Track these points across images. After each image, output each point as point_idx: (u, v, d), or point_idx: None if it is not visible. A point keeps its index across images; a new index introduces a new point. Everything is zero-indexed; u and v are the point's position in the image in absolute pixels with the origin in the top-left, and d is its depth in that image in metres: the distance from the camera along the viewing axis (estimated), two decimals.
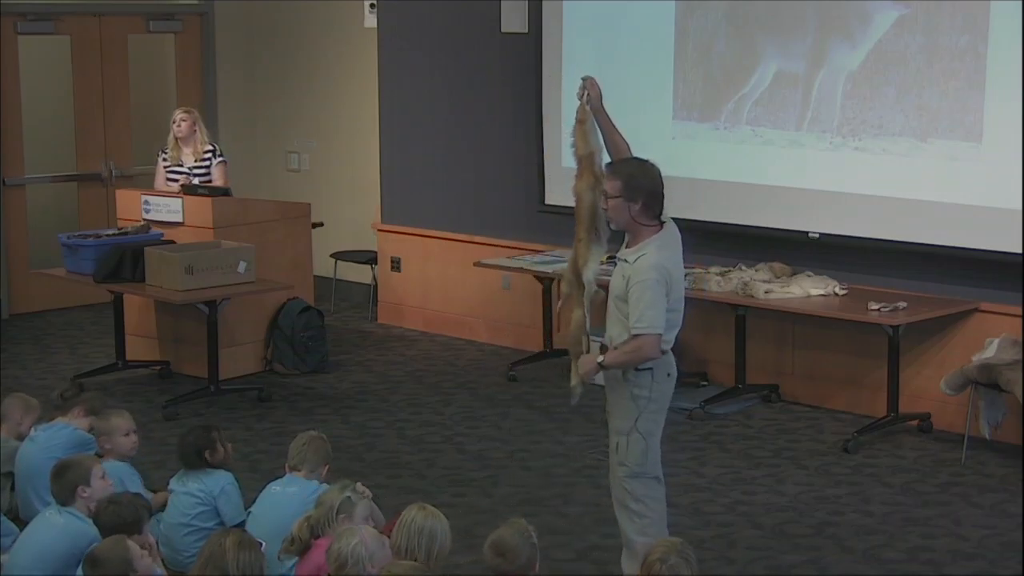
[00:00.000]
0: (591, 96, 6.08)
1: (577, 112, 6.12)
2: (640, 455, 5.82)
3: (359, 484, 5.66)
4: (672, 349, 5.56)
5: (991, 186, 7.94)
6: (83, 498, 5.70)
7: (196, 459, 6.23)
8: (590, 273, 5.96)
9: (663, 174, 5.48)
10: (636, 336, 5.67)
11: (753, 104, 8.88)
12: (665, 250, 5.76)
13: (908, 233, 8.29)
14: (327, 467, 6.15)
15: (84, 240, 9.30)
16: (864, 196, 8.44)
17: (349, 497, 5.48)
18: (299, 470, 6.07)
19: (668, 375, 5.84)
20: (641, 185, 5.75)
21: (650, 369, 5.76)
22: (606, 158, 6.05)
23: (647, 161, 5.88)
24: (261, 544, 5.11)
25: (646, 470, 5.86)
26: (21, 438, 6.84)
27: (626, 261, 5.78)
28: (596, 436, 8.31)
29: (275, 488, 6.06)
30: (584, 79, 6.13)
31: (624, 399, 5.82)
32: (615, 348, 5.80)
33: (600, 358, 5.79)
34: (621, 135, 6.08)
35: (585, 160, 6.02)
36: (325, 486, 5.97)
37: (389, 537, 5.25)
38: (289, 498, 5.96)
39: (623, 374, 5.80)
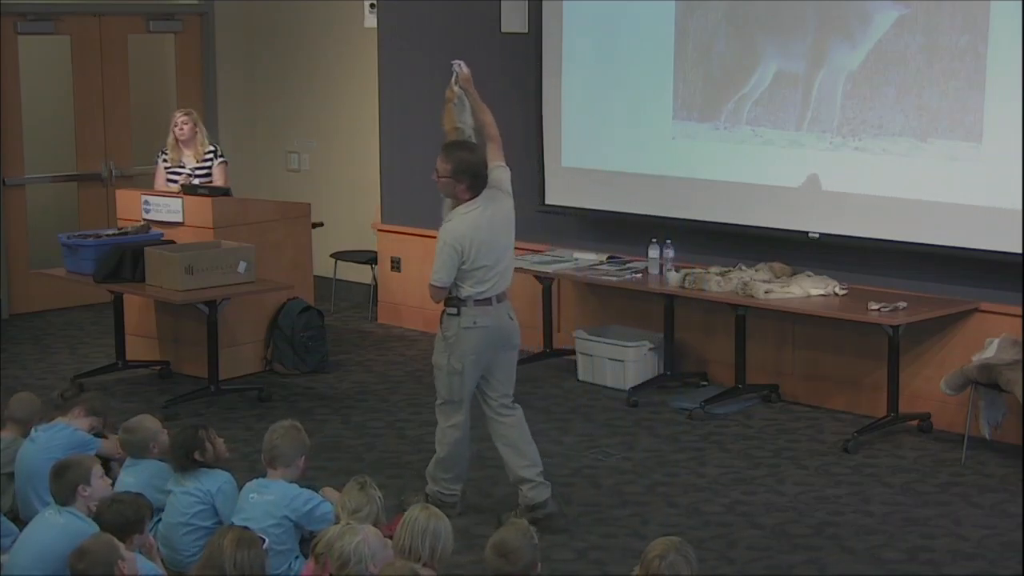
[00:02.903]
0: (460, 78, 7.03)
1: (446, 92, 7.05)
2: (447, 387, 6.94)
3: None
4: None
5: (991, 186, 7.94)
6: (83, 497, 5.70)
7: (186, 460, 6.21)
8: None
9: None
10: (431, 284, 6.83)
11: (753, 104, 8.87)
12: (467, 218, 6.79)
13: (908, 233, 8.29)
14: (304, 458, 6.11)
15: (84, 240, 9.30)
16: (864, 196, 8.44)
17: (376, 497, 5.54)
18: (274, 466, 6.05)
19: (475, 323, 6.82)
20: (468, 169, 6.77)
21: (456, 316, 6.83)
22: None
23: (476, 146, 6.90)
24: (264, 541, 5.10)
25: (452, 398, 6.95)
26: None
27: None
28: (596, 436, 8.32)
29: (252, 496, 6.02)
30: (454, 63, 7.07)
31: (440, 340, 6.94)
32: None
33: None
34: (489, 114, 7.07)
35: (451, 135, 7.04)
36: (310, 494, 5.95)
37: (391, 537, 5.26)
38: (269, 506, 5.92)
39: (441, 319, 6.92)
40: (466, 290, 6.80)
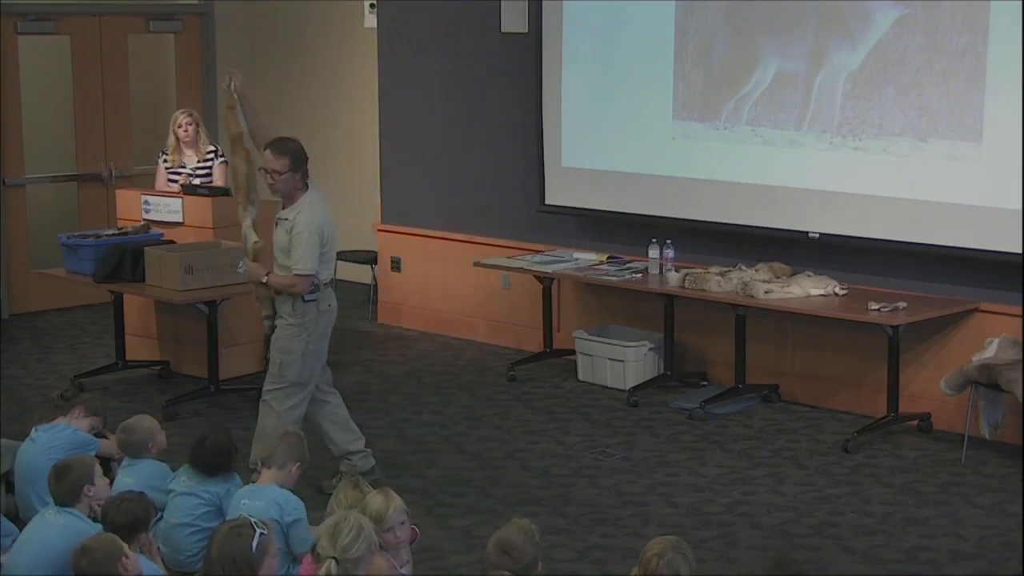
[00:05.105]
0: (237, 85, 7.33)
1: (227, 99, 7.37)
2: (298, 371, 7.20)
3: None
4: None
5: (991, 186, 7.94)
6: (87, 497, 5.70)
7: (227, 463, 6.16)
8: (246, 229, 7.29)
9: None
10: (296, 275, 7.08)
11: (753, 104, 8.88)
12: (315, 204, 7.16)
13: (908, 233, 8.29)
14: (298, 465, 6.06)
15: (84, 240, 9.30)
16: (864, 196, 8.44)
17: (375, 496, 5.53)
18: (268, 466, 6.04)
19: (329, 306, 7.28)
20: (301, 158, 7.12)
21: (315, 301, 7.16)
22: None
23: (294, 138, 7.26)
24: (257, 529, 5.00)
25: (301, 380, 7.23)
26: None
27: (286, 219, 7.12)
28: (596, 436, 8.32)
29: (244, 503, 5.98)
30: (230, 72, 7.43)
31: (293, 326, 7.18)
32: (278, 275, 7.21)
33: (265, 278, 7.19)
34: (261, 119, 7.53)
35: (236, 139, 7.34)
36: (298, 503, 5.91)
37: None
38: (261, 511, 5.87)
39: (292, 306, 7.15)
40: (322, 274, 7.17)
